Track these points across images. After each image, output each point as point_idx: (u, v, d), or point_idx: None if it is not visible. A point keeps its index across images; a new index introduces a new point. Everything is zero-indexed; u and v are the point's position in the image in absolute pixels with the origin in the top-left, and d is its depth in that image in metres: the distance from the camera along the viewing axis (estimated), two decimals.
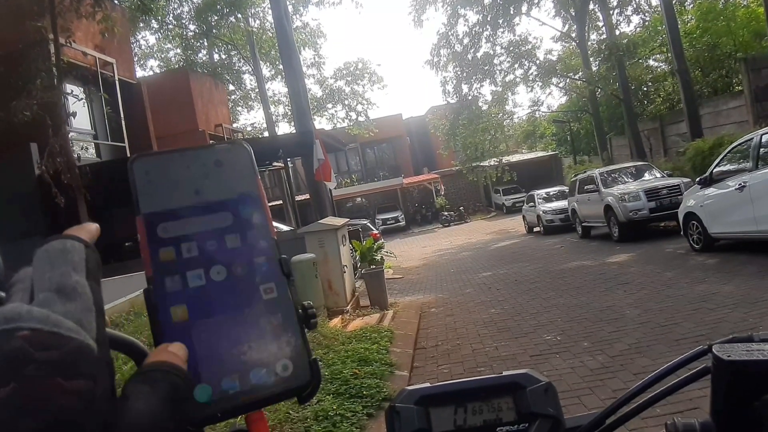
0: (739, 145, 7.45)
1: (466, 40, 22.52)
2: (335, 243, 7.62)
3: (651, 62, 23.97)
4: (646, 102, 23.08)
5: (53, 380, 0.26)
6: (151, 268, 0.51)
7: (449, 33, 22.39)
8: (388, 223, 32.59)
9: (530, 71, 23.34)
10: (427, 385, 0.64)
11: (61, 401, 0.26)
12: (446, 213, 32.58)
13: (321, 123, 26.97)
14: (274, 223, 0.59)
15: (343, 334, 5.71)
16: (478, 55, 22.85)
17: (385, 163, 38.97)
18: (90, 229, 0.42)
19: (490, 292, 8.78)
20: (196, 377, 0.48)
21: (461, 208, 33.22)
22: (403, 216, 33.58)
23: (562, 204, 18.52)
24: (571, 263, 10.43)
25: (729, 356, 0.51)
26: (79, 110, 11.70)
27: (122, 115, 14.79)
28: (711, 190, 8.07)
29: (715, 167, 8.04)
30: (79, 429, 0.26)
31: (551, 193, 20.69)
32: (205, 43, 25.90)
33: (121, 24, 14.81)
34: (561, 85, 25.24)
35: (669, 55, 20.88)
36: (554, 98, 27.93)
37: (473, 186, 34.81)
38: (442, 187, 34.54)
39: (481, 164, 28.86)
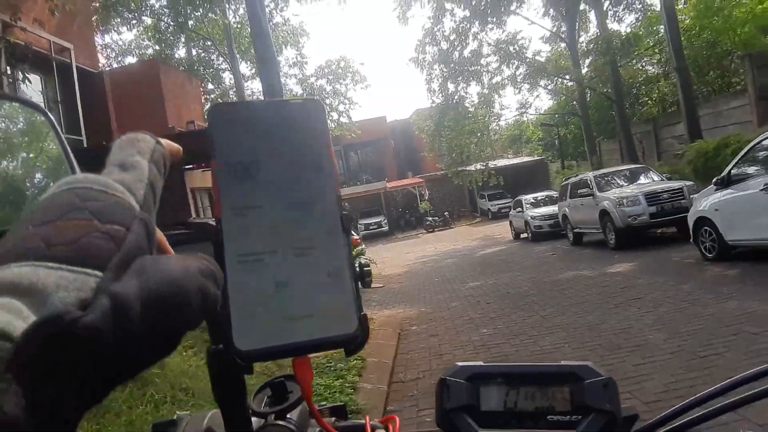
0: (764, 140, 6.52)
1: (452, 37, 21.56)
2: None
3: (643, 65, 23.32)
4: (637, 105, 22.39)
5: (89, 221, 0.31)
6: (221, 210, 0.53)
7: (435, 29, 21.40)
8: (371, 228, 31.48)
9: (519, 71, 22.50)
10: (481, 363, 0.64)
11: (93, 238, 0.30)
12: (431, 218, 31.63)
13: None
14: None
15: None
16: (465, 53, 21.92)
17: (368, 166, 37.88)
18: (170, 143, 0.46)
19: (479, 307, 7.71)
20: (250, 315, 0.50)
21: (446, 213, 32.24)
22: (386, 221, 32.51)
23: (551, 209, 17.67)
24: (566, 273, 9.42)
25: None
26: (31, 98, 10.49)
27: (80, 106, 13.50)
28: (728, 193, 7.15)
29: (733, 167, 7.11)
30: (103, 261, 0.29)
31: (539, 198, 19.86)
32: (182, 38, 24.63)
33: (82, 5, 13.58)
34: (550, 87, 24.44)
35: (662, 56, 20.26)
36: (542, 101, 27.11)
37: (458, 191, 33.85)
38: (427, 192, 33.61)
39: (467, 168, 28.00)
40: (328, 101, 23.98)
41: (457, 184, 27.66)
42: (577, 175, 14.85)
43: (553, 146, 32.73)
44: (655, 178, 12.61)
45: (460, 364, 0.63)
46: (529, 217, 18.19)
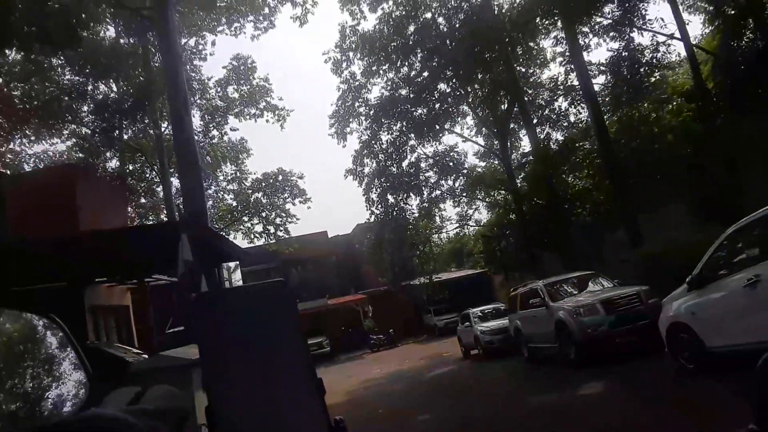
0: (739, 229, 5.86)
1: (390, 150, 21.80)
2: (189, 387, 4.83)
3: (573, 178, 24.24)
4: (572, 215, 22.81)
5: None
6: (208, 383, 0.73)
7: (372, 142, 21.62)
8: (312, 349, 28.88)
9: (457, 183, 22.74)
10: None
11: None
12: (375, 336, 29.63)
13: (236, 238, 24.37)
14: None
15: None
16: (404, 164, 22.07)
17: (309, 283, 36.11)
18: None
19: None
20: None
21: (391, 330, 30.32)
22: (327, 341, 30.10)
23: (501, 323, 16.57)
24: (532, 399, 8.01)
25: None
26: None
27: None
28: (704, 293, 6.32)
29: (705, 263, 6.38)
30: None
31: (487, 311, 18.81)
32: (114, 150, 23.53)
33: None
34: (488, 200, 24.79)
35: (590, 169, 21.09)
36: (481, 214, 27.45)
37: (403, 307, 32.43)
38: (370, 308, 31.94)
39: (411, 282, 27.04)
40: (264, 214, 22.96)
41: (402, 298, 26.47)
42: (525, 285, 14.04)
43: (495, 259, 32.71)
44: (606, 284, 11.95)
45: None
46: (478, 332, 16.93)
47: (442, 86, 21.66)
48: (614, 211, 16.54)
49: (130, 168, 24.40)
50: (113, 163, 24.51)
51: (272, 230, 23.22)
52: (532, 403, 7.74)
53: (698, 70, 15.68)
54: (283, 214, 23.14)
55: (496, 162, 25.20)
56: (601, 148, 15.34)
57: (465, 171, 23.42)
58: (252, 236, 24.32)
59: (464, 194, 23.64)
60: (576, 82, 19.89)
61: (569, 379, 8.94)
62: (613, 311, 9.95)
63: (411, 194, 23.96)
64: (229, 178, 24.32)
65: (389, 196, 23.29)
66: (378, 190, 23.22)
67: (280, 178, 23.96)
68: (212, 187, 25.44)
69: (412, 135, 21.39)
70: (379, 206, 22.46)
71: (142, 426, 0.58)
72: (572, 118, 22.40)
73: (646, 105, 18.56)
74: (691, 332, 6.52)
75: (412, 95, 21.31)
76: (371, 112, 22.41)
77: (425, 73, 21.26)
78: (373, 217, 23.12)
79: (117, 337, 12.55)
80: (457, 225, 26.14)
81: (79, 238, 6.98)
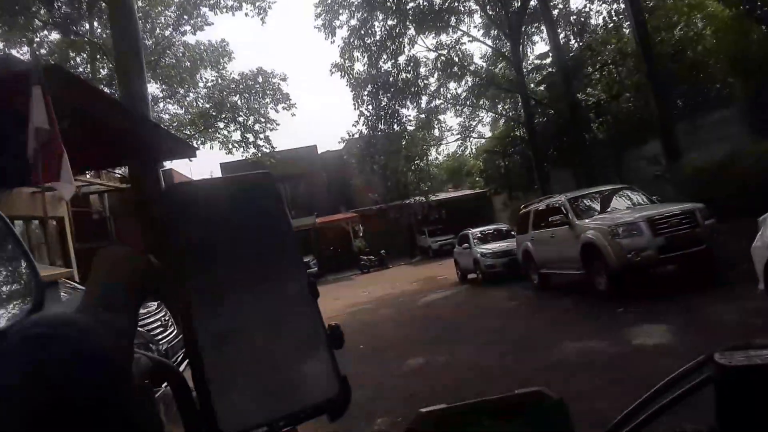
0: None
1: (388, 42, 18.47)
2: None
3: (589, 91, 21.40)
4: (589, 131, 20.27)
5: None
6: (187, 295, 0.54)
7: (363, 31, 18.23)
8: None
9: (462, 84, 19.77)
10: (443, 405, 0.63)
11: None
12: (365, 258, 27.99)
13: (214, 150, 21.66)
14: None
15: None
16: (401, 60, 18.93)
17: (297, 201, 33.94)
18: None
19: None
20: (232, 394, 0.51)
21: (382, 251, 28.62)
22: (315, 261, 28.46)
23: (504, 244, 14.65)
24: (566, 345, 5.95)
25: (730, 363, 0.53)
26: None
27: None
28: None
29: None
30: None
31: (487, 232, 16.82)
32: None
33: None
34: (494, 110, 21.93)
35: (617, 74, 18.25)
36: (485, 126, 24.43)
37: (395, 227, 30.49)
38: (360, 228, 30.08)
39: (405, 201, 24.92)
40: (241, 119, 20.08)
41: (394, 217, 24.43)
42: (540, 200, 11.81)
43: (496, 179, 30.48)
44: (644, 200, 9.73)
45: (422, 410, 0.62)
46: (479, 254, 15.00)
47: None
48: (647, 120, 13.99)
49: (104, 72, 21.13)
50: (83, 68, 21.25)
51: (251, 139, 20.43)
52: (568, 347, 5.70)
53: None
54: (263, 119, 20.25)
55: (506, 68, 22.14)
56: (640, 40, 12.51)
57: (472, 69, 20.32)
58: (230, 146, 21.64)
59: (468, 101, 20.74)
60: None
61: (606, 315, 6.94)
62: (661, 232, 7.81)
63: (408, 102, 21.14)
64: (210, 84, 21.21)
65: (382, 97, 20.29)
66: (369, 87, 20.08)
67: (260, 79, 20.82)
68: (190, 94, 22.41)
69: (412, 25, 18.01)
70: (369, 107, 19.54)
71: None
72: (596, 20, 19.15)
73: None
74: None
75: None
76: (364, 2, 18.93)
77: None
78: (362, 120, 20.23)
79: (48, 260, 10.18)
80: (458, 137, 23.24)
81: None
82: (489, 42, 22.34)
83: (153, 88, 20.79)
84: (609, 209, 9.49)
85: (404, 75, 19.86)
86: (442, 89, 21.73)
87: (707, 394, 0.54)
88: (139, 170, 7.99)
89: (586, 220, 9.13)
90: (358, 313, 13.20)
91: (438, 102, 22.15)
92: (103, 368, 0.45)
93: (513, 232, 16.35)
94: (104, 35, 19.12)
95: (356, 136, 22.37)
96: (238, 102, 19.80)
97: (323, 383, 0.53)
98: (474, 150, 26.83)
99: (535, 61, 20.16)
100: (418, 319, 10.28)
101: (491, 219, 26.58)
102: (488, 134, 25.68)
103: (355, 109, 19.78)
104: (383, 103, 19.17)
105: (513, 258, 13.45)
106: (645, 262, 7.79)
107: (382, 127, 19.57)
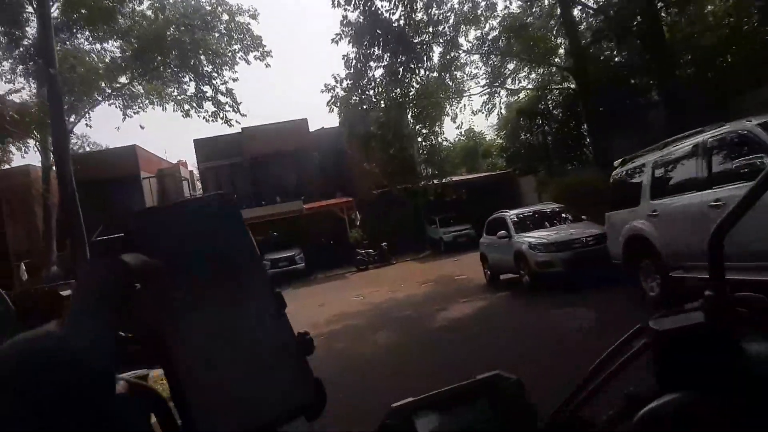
0: None
1: None
2: None
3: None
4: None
5: None
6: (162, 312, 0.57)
7: None
8: (280, 265, 22.34)
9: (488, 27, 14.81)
10: (411, 399, 0.67)
11: None
12: (363, 251, 23.06)
13: (167, 110, 16.57)
14: None
15: None
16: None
17: (284, 184, 28.95)
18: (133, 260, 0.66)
19: None
20: (206, 405, 0.54)
21: (384, 244, 23.55)
22: (301, 256, 23.55)
23: (563, 233, 9.91)
24: None
25: (661, 327, 0.59)
26: None
27: None
28: None
29: None
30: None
31: (526, 215, 11.85)
32: None
33: None
34: (530, 57, 16.74)
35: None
36: (515, 84, 18.90)
37: (400, 215, 25.35)
38: (358, 216, 25.13)
39: (411, 186, 20.11)
40: (192, 62, 14.88)
41: (400, 202, 19.61)
42: (679, 139, 6.67)
43: (518, 157, 25.35)
44: None
45: (393, 405, 0.66)
46: (524, 246, 10.09)
47: None
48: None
49: None
50: None
51: (210, 93, 15.29)
52: None
53: None
54: (218, 61, 15.11)
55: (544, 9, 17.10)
56: None
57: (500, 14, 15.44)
58: (186, 106, 16.51)
59: (496, 48, 15.71)
60: None
61: None
62: None
63: (416, 61, 16.29)
64: (148, 13, 15.82)
65: (383, 54, 15.65)
66: (369, 38, 15.48)
67: (225, 17, 15.65)
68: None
69: None
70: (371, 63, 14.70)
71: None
72: None
73: None
74: None
75: None
76: None
77: None
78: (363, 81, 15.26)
79: None
80: (485, 87, 17.69)
81: None
82: None
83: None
84: None
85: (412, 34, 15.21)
86: (460, 38, 16.83)
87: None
88: None
89: None
90: (350, 326, 8.39)
91: (454, 55, 17.24)
92: (79, 370, 0.50)
93: (567, 216, 11.52)
94: None
95: (353, 100, 17.54)
96: (186, 39, 14.44)
97: (297, 390, 0.56)
98: (503, 110, 21.41)
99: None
100: (440, 360, 5.37)
101: (518, 203, 21.59)
102: (517, 97, 20.42)
103: (345, 67, 14.94)
104: (386, 61, 14.36)
105: (581, 251, 8.78)
106: None
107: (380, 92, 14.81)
